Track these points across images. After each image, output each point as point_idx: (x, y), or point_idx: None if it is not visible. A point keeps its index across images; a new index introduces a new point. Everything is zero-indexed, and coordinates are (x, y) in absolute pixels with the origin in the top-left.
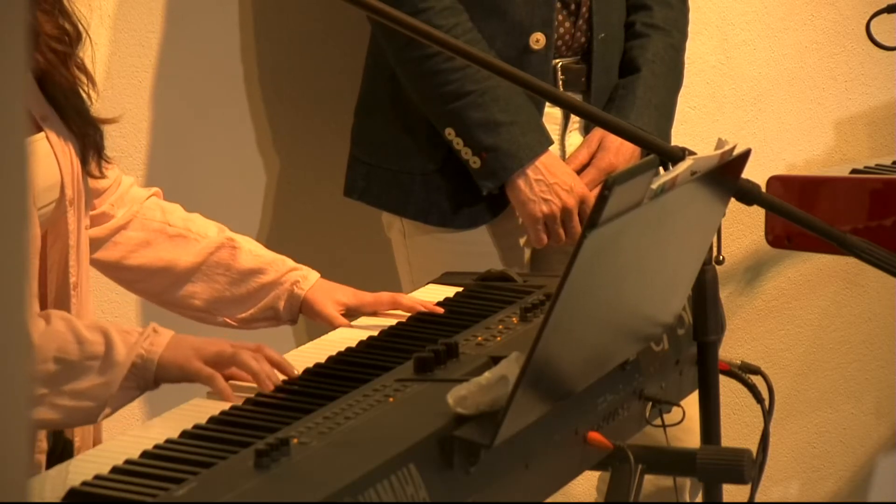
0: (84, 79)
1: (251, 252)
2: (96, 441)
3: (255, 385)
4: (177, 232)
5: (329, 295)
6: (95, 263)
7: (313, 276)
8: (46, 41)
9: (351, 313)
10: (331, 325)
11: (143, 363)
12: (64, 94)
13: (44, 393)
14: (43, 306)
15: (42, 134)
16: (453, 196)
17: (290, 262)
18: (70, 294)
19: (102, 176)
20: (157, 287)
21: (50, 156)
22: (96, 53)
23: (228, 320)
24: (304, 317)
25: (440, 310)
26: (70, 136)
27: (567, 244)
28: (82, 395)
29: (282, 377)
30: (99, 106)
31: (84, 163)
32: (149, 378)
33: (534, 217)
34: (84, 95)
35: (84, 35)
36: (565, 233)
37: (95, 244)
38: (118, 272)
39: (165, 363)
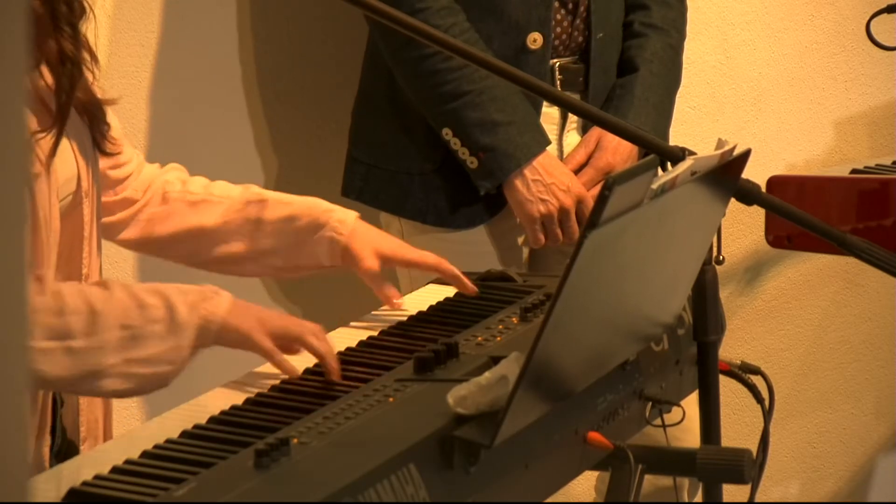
0: (87, 56)
1: (280, 201)
2: (106, 437)
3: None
4: (198, 198)
5: (370, 244)
6: (124, 244)
7: (350, 217)
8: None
9: (388, 264)
10: (365, 283)
11: (206, 324)
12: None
13: (112, 363)
14: None
15: None
16: (451, 196)
17: (323, 204)
18: None
19: (110, 152)
20: (188, 250)
21: (67, 149)
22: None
23: (269, 272)
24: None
25: (473, 288)
26: (83, 125)
27: (565, 244)
28: (155, 360)
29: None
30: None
31: (97, 146)
32: (208, 340)
33: (531, 217)
34: (87, 73)
35: (88, 10)
36: (563, 233)
37: (120, 227)
38: (147, 246)
39: (229, 327)
